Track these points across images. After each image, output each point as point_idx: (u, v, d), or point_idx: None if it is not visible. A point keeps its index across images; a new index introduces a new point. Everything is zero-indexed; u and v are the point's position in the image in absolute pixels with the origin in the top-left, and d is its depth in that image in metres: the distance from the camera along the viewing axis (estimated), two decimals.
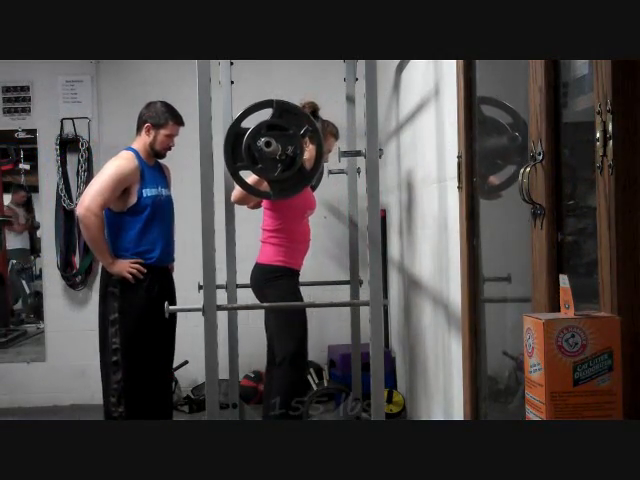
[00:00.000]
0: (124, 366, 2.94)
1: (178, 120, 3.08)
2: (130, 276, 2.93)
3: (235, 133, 2.16)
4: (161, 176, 3.15)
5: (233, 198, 3.02)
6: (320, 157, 2.24)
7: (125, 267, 2.93)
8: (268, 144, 2.11)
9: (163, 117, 3.04)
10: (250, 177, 2.47)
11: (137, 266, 2.95)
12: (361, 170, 3.26)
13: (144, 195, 2.97)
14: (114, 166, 2.96)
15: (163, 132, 3.04)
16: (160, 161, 3.17)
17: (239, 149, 2.15)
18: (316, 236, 3.21)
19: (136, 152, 3.03)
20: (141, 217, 2.97)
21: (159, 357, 3.05)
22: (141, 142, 3.06)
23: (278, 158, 2.14)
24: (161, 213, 3.05)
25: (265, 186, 2.55)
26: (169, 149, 3.11)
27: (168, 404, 3.17)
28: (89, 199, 2.87)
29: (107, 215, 3.00)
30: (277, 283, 2.97)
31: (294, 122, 2.16)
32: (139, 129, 3.07)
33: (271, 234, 3.03)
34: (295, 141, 2.14)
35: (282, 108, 2.16)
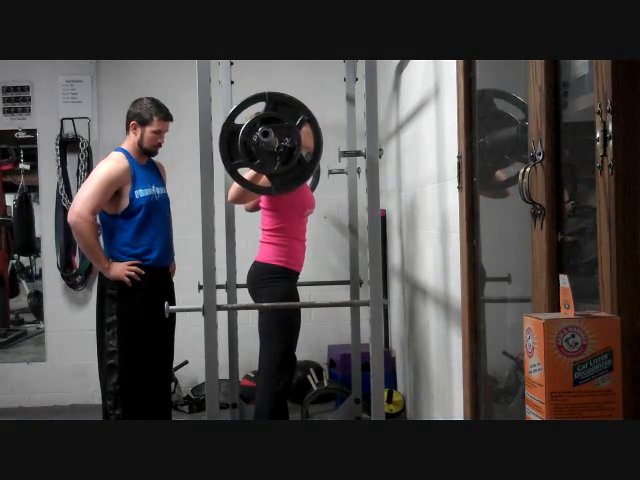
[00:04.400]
0: (121, 369, 2.91)
1: (164, 115, 2.99)
2: (128, 279, 2.89)
3: (230, 130, 2.11)
4: (155, 174, 3.09)
5: (230, 197, 2.93)
6: (319, 147, 2.16)
7: (122, 270, 2.89)
8: (265, 134, 2.05)
9: (147, 113, 2.96)
10: (246, 174, 2.40)
11: (135, 268, 2.90)
12: (361, 170, 3.27)
13: (137, 196, 2.92)
14: (103, 169, 2.90)
15: (149, 129, 2.96)
16: (154, 159, 3.11)
17: (235, 146, 2.10)
18: (316, 236, 3.22)
19: (126, 152, 2.97)
20: (136, 218, 2.93)
21: (157, 359, 3.02)
22: (130, 141, 3.00)
23: (276, 151, 2.08)
24: (157, 213, 3.00)
25: (262, 181, 2.52)
26: (159, 146, 3.03)
27: (166, 406, 3.14)
28: (79, 205, 2.82)
29: (102, 218, 2.97)
30: (274, 284, 2.89)
31: (289, 113, 2.12)
32: (127, 128, 3.01)
33: (271, 233, 2.94)
34: (292, 132, 2.09)
35: (275, 100, 2.12)
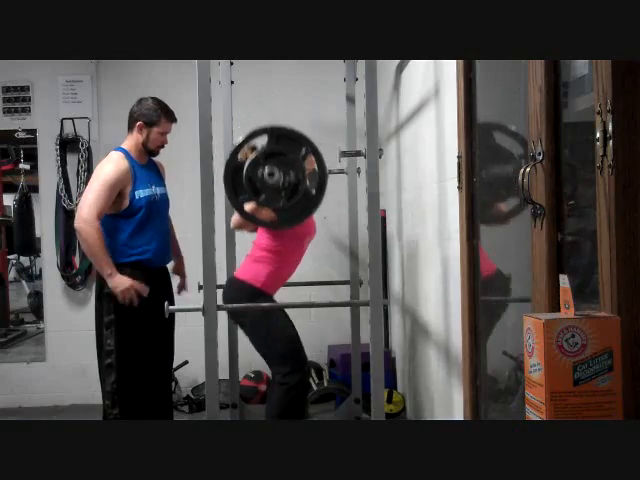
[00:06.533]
0: (118, 368, 2.89)
1: (170, 117, 3.01)
2: (123, 298, 2.81)
3: (234, 166, 2.13)
4: (155, 174, 3.08)
5: (232, 225, 2.93)
6: (324, 178, 2.16)
7: (124, 284, 2.81)
8: (271, 175, 2.07)
9: (155, 115, 2.96)
10: (248, 205, 2.34)
11: (140, 287, 2.83)
12: (361, 170, 3.27)
13: (137, 197, 2.90)
14: (104, 172, 2.87)
15: (156, 130, 2.96)
16: (154, 158, 3.10)
17: (240, 181, 2.11)
18: (316, 236, 3.21)
19: (126, 152, 2.95)
20: (135, 219, 2.91)
21: (155, 359, 3.01)
22: (133, 141, 2.98)
23: (281, 186, 2.10)
24: (156, 213, 2.98)
25: (265, 213, 2.48)
26: (162, 147, 3.03)
27: (166, 406, 3.12)
28: (85, 211, 2.80)
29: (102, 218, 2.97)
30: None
31: (292, 146, 2.12)
32: (131, 127, 2.99)
33: (263, 253, 2.86)
34: (296, 166, 2.11)
35: (278, 134, 2.12)
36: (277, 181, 2.08)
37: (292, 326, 2.89)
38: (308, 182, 2.16)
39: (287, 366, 2.76)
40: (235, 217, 2.88)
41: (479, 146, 2.01)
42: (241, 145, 2.14)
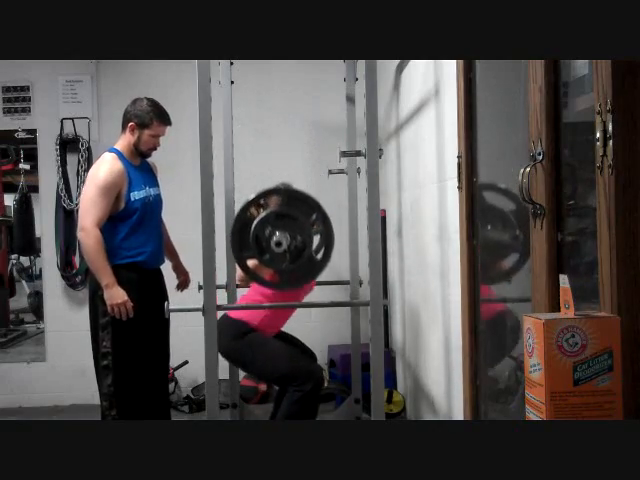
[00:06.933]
0: (115, 370, 2.88)
1: (164, 120, 2.95)
2: (112, 311, 2.79)
3: (242, 222, 2.14)
4: (149, 175, 3.05)
5: (238, 280, 2.93)
6: (331, 245, 2.16)
7: (118, 299, 2.78)
8: (279, 244, 2.08)
9: (148, 116, 2.91)
10: (251, 261, 2.31)
11: (130, 306, 2.80)
12: (361, 170, 3.26)
13: (132, 199, 2.87)
14: (100, 176, 2.83)
15: (148, 132, 2.92)
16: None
17: (246, 237, 2.12)
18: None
19: (119, 153, 2.92)
20: (130, 221, 2.88)
21: (152, 360, 2.99)
22: (125, 141, 2.94)
23: (286, 249, 2.11)
24: (150, 214, 2.96)
25: (267, 272, 2.44)
26: (154, 149, 3.00)
27: (164, 407, 3.11)
28: (84, 220, 2.79)
29: None
30: (245, 340, 2.82)
31: (302, 209, 2.13)
32: (124, 127, 2.95)
33: (261, 298, 2.87)
34: (304, 230, 2.11)
35: (289, 195, 2.14)
36: (284, 249, 2.10)
37: (284, 343, 2.91)
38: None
39: (296, 382, 2.78)
40: (240, 273, 2.84)
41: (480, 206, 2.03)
42: (253, 202, 2.16)
